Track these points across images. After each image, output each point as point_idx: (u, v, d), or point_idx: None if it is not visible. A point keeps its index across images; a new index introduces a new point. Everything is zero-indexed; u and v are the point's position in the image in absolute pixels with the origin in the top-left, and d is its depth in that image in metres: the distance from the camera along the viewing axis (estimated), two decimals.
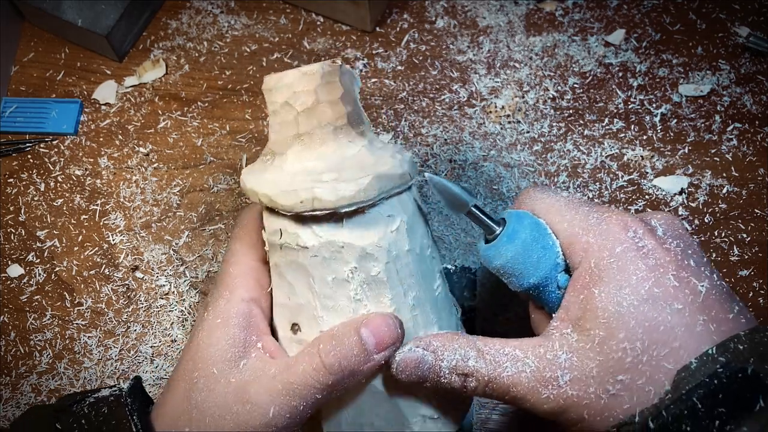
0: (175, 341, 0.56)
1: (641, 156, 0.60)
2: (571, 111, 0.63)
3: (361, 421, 0.40)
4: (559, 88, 0.64)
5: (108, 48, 0.66)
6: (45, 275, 0.59)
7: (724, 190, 0.59)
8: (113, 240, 0.60)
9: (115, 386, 0.41)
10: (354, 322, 0.37)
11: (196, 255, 0.59)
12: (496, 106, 0.63)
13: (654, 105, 0.62)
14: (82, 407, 0.39)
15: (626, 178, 0.60)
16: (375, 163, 0.38)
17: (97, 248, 0.60)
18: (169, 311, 0.57)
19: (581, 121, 0.62)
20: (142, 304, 0.58)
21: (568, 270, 0.39)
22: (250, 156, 0.63)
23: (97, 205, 0.61)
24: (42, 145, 0.64)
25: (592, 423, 0.34)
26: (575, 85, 0.64)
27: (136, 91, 0.66)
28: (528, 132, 0.62)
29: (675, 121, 0.62)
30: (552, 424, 0.37)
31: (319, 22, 0.68)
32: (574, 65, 0.64)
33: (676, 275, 0.35)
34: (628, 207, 0.58)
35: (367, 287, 0.38)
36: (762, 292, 0.55)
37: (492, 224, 0.40)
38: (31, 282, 0.59)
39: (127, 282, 0.58)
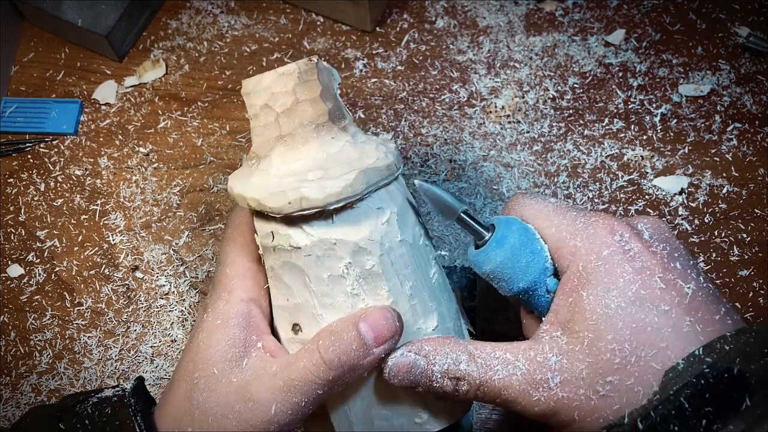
0: (175, 341, 0.56)
1: (641, 156, 0.60)
2: (571, 111, 0.63)
3: (371, 413, 0.40)
4: (559, 88, 0.64)
5: (108, 48, 0.66)
6: (45, 275, 0.59)
7: (724, 190, 0.59)
8: (113, 240, 0.60)
9: (118, 386, 0.41)
10: (352, 317, 0.37)
11: (196, 255, 0.59)
12: (496, 106, 0.63)
13: (654, 105, 0.62)
14: (86, 407, 0.39)
15: (626, 178, 0.60)
16: (360, 158, 0.38)
17: (97, 248, 0.60)
18: (169, 311, 0.57)
19: (581, 121, 0.62)
20: (142, 304, 0.58)
21: (556, 274, 0.39)
22: None
23: (97, 205, 0.61)
24: (42, 145, 0.64)
25: (583, 424, 0.35)
26: (575, 85, 0.64)
27: (136, 91, 0.66)
28: (528, 132, 0.62)
29: (675, 121, 0.62)
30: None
31: (319, 22, 0.68)
32: (574, 65, 0.64)
33: (662, 277, 0.35)
34: (628, 207, 0.58)
35: (363, 281, 0.38)
36: (762, 292, 0.55)
37: (481, 230, 0.40)
38: (31, 282, 0.59)
39: (127, 282, 0.58)
